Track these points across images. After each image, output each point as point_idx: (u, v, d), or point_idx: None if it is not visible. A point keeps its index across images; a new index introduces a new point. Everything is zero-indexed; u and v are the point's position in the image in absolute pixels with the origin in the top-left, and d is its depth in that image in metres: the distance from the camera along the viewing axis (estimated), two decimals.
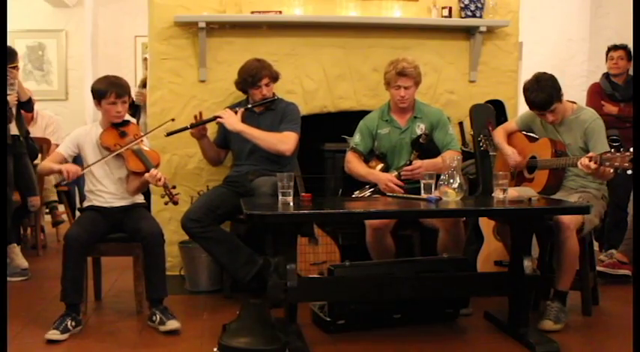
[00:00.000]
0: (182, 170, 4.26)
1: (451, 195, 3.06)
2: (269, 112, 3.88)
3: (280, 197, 2.94)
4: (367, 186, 3.68)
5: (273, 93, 3.88)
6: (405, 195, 3.45)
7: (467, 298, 3.44)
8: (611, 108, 4.67)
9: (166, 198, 3.34)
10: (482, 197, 3.78)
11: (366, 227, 3.52)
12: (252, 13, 4.23)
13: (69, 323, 3.07)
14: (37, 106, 5.26)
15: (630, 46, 4.69)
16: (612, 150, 3.07)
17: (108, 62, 7.10)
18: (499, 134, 3.77)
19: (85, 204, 3.49)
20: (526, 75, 3.53)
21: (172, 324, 3.14)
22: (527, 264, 3.04)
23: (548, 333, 3.13)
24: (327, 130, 4.23)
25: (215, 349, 2.77)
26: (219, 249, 3.65)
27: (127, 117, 3.65)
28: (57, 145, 4.99)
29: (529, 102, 3.40)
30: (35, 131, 5.31)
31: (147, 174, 3.34)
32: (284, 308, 3.00)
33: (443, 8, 4.38)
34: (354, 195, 3.67)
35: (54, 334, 3.00)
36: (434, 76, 4.43)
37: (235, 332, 2.77)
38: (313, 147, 4.29)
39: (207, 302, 3.71)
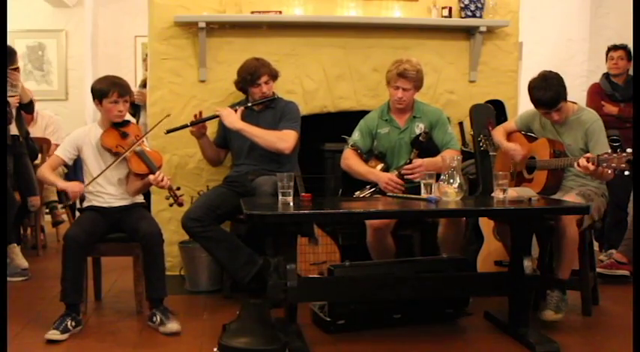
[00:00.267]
0: (182, 170, 4.26)
1: (451, 195, 3.06)
2: (268, 111, 3.88)
3: (280, 197, 2.94)
4: (367, 186, 3.68)
5: (273, 92, 3.88)
6: (405, 195, 3.45)
7: (467, 298, 3.44)
8: (611, 109, 4.67)
9: (171, 200, 3.34)
10: (482, 197, 3.78)
11: (367, 227, 3.52)
12: (252, 13, 4.24)
13: (69, 323, 3.07)
14: (37, 106, 5.27)
15: (630, 46, 4.69)
16: (609, 150, 3.07)
17: (108, 62, 7.10)
18: (498, 133, 3.77)
19: (85, 204, 3.48)
20: (526, 75, 3.54)
21: (172, 326, 3.14)
22: (527, 264, 3.04)
23: (549, 327, 3.13)
24: (327, 130, 4.23)
25: (215, 349, 2.76)
26: (219, 248, 3.65)
27: (128, 116, 3.64)
28: (57, 145, 4.99)
29: (535, 100, 3.39)
30: (35, 131, 5.31)
31: (151, 178, 3.34)
32: (284, 308, 3.00)
33: (443, 8, 4.39)
34: (354, 195, 3.67)
35: (54, 334, 3.00)
36: (434, 76, 4.43)
37: (235, 332, 2.77)
38: (313, 147, 4.29)
39: (207, 302, 3.71)
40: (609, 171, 3.04)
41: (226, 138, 3.98)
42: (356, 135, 3.83)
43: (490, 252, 3.76)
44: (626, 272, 4.16)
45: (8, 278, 4.02)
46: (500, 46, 4.53)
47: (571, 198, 3.32)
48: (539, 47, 6.50)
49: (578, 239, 3.28)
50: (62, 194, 5.38)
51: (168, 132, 3.82)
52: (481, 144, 3.88)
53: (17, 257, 4.23)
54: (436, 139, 3.75)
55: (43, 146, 5.08)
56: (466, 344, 3.12)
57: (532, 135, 3.66)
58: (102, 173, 3.36)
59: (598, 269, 3.98)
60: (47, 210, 5.43)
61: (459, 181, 3.07)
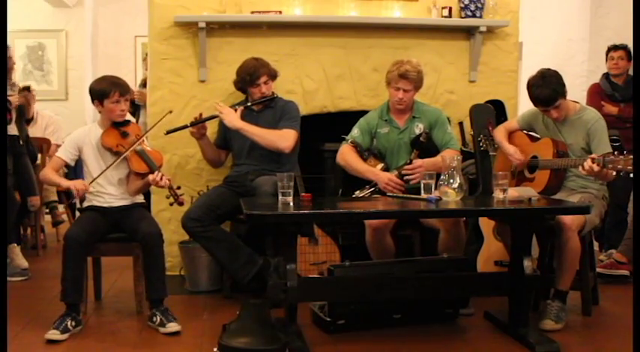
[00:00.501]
0: (182, 170, 4.26)
1: (451, 195, 3.06)
2: (268, 110, 3.88)
3: (280, 197, 2.94)
4: (367, 186, 3.68)
5: (272, 92, 3.88)
6: (405, 195, 3.44)
7: (467, 298, 3.44)
8: (611, 109, 4.67)
9: (172, 199, 3.34)
10: (482, 197, 3.78)
11: (366, 227, 3.52)
12: (252, 13, 4.24)
13: (69, 323, 3.07)
14: (37, 106, 5.28)
15: (630, 46, 4.69)
16: (615, 152, 3.06)
17: (108, 62, 7.10)
18: (500, 133, 3.77)
19: (85, 204, 3.48)
20: (526, 75, 3.53)
21: (173, 327, 3.14)
22: (527, 264, 3.04)
23: (549, 333, 3.13)
24: (327, 130, 4.23)
25: (215, 349, 2.77)
26: (219, 248, 3.65)
27: (128, 116, 3.64)
28: (57, 145, 5.01)
29: (533, 97, 3.39)
30: (35, 131, 5.31)
31: (150, 178, 3.34)
32: (284, 308, 3.00)
33: (443, 8, 4.38)
34: (354, 195, 3.67)
35: (54, 334, 3.00)
36: (434, 76, 4.43)
37: (235, 332, 2.78)
38: (313, 147, 4.29)
39: (207, 302, 3.71)
40: (613, 173, 3.03)
41: (226, 138, 3.98)
42: (355, 132, 3.83)
43: (490, 252, 3.76)
44: (626, 272, 4.16)
45: (8, 278, 4.03)
46: (500, 46, 4.53)
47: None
48: (539, 47, 6.50)
49: (581, 250, 3.27)
50: (63, 194, 5.40)
51: (169, 132, 3.82)
52: (481, 144, 3.88)
53: (17, 257, 4.23)
54: (436, 139, 3.75)
55: (43, 146, 5.08)
56: (466, 344, 3.12)
57: (534, 134, 3.65)
58: (103, 172, 3.36)
59: (598, 269, 3.98)
60: (47, 210, 5.44)
61: (459, 181, 3.07)
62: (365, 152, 3.79)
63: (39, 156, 5.02)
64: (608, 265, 4.23)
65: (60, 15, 6.79)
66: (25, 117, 4.57)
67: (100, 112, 3.46)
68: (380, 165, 3.76)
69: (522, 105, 4.85)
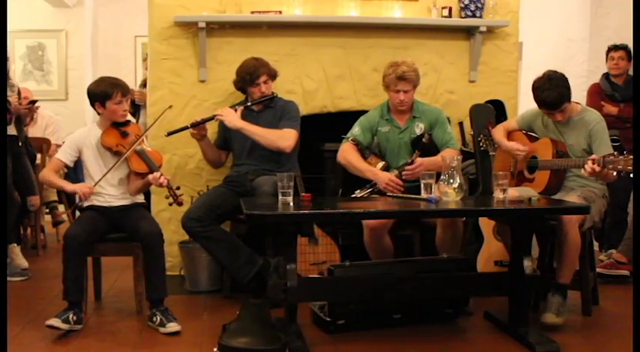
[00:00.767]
0: (182, 170, 4.26)
1: (451, 195, 3.06)
2: (268, 110, 3.89)
3: (280, 197, 2.94)
4: (367, 186, 3.68)
5: (272, 92, 3.88)
6: (405, 195, 3.44)
7: (467, 298, 3.44)
8: (611, 109, 4.67)
9: (171, 199, 3.34)
10: (482, 197, 3.78)
11: (364, 227, 3.52)
12: (252, 13, 4.24)
13: (71, 315, 3.08)
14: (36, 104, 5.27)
15: (630, 45, 4.69)
16: (615, 152, 3.06)
17: (108, 62, 7.10)
18: (498, 132, 3.76)
19: (85, 203, 3.48)
20: (526, 75, 3.54)
21: (173, 327, 3.14)
22: (527, 264, 3.04)
23: (549, 332, 3.13)
24: (327, 130, 4.23)
25: (215, 349, 2.77)
26: (219, 248, 3.65)
27: (127, 116, 3.65)
28: (57, 145, 5.02)
29: (539, 100, 3.38)
30: (35, 131, 5.32)
31: (150, 177, 3.34)
32: (284, 308, 3.00)
33: (443, 8, 4.38)
34: (354, 195, 3.67)
35: (55, 321, 3.02)
36: (434, 76, 4.43)
37: (235, 332, 2.78)
38: (313, 147, 4.29)
39: (207, 302, 3.71)
40: (614, 173, 3.03)
41: (227, 138, 3.98)
42: (356, 130, 3.82)
43: (490, 252, 3.76)
44: (626, 272, 4.16)
45: (8, 278, 4.03)
46: (500, 46, 4.53)
47: (572, 199, 3.31)
48: (539, 47, 6.50)
49: (581, 243, 3.27)
50: (63, 195, 5.40)
51: (169, 134, 3.81)
52: (481, 144, 3.88)
53: (17, 257, 4.23)
54: (435, 139, 3.75)
55: (43, 146, 5.08)
56: (466, 344, 3.12)
57: (533, 134, 3.65)
58: (105, 174, 3.35)
59: (598, 269, 3.98)
60: (47, 210, 5.44)
61: (459, 181, 3.07)
62: (366, 150, 3.79)
63: (38, 156, 5.03)
64: (608, 265, 4.23)
65: (60, 15, 6.79)
66: (24, 122, 4.57)
67: (100, 114, 3.45)
68: (380, 164, 3.75)
69: (522, 105, 4.85)
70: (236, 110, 3.80)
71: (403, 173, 3.62)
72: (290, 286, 2.86)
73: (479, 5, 4.37)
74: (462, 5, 4.38)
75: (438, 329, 3.24)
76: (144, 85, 5.15)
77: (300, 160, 4.02)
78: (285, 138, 3.75)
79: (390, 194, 3.53)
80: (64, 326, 3.04)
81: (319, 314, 3.22)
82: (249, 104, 3.87)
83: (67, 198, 5.59)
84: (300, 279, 2.95)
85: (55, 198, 5.43)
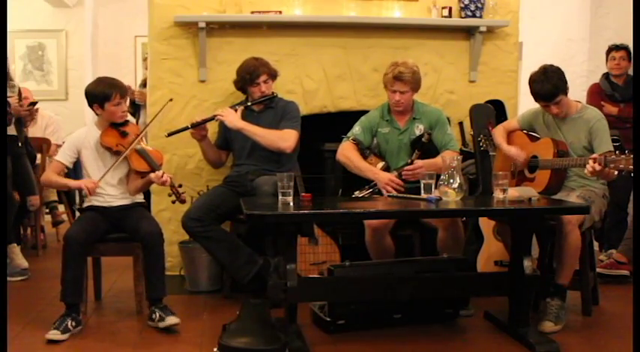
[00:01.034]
0: (182, 170, 4.26)
1: (451, 195, 3.06)
2: (269, 110, 3.89)
3: (280, 197, 2.94)
4: (367, 186, 3.68)
5: (272, 92, 3.88)
6: (405, 195, 3.44)
7: (467, 298, 3.44)
8: (611, 109, 4.67)
9: (174, 197, 3.34)
10: (482, 197, 3.78)
11: (365, 227, 3.52)
12: (252, 13, 4.24)
13: (69, 323, 3.07)
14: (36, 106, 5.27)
15: (630, 45, 4.69)
16: (617, 151, 3.06)
17: (108, 62, 7.10)
18: (499, 133, 3.76)
19: (85, 204, 3.48)
20: (526, 75, 3.53)
21: (172, 319, 3.15)
22: (527, 264, 3.04)
23: (548, 333, 3.13)
24: (327, 130, 4.23)
25: (215, 349, 2.77)
26: (219, 248, 3.65)
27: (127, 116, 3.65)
28: (57, 145, 5.02)
29: (534, 92, 3.38)
30: (35, 131, 5.31)
31: (152, 175, 3.34)
32: (284, 308, 3.00)
33: (443, 8, 4.38)
34: (354, 195, 3.67)
35: (54, 334, 3.00)
36: (434, 76, 4.43)
37: (235, 332, 2.78)
38: (313, 147, 4.29)
39: (207, 302, 3.71)
40: (615, 173, 3.03)
41: (227, 139, 3.98)
42: (357, 129, 3.82)
43: (490, 252, 3.76)
44: (626, 272, 4.16)
45: (8, 278, 4.03)
46: (500, 46, 4.53)
47: (572, 200, 3.31)
48: (539, 47, 6.50)
49: (581, 244, 3.27)
50: (63, 194, 5.39)
51: (170, 135, 3.81)
52: (481, 144, 3.88)
53: (17, 257, 4.23)
54: (435, 140, 3.75)
55: (43, 146, 5.07)
56: (466, 344, 3.12)
57: (534, 134, 3.65)
58: (107, 172, 3.35)
59: (598, 269, 3.98)
60: (47, 210, 5.43)
61: (458, 181, 3.07)
62: (366, 150, 3.78)
63: (38, 156, 5.03)
64: (608, 265, 4.23)
65: (60, 15, 6.79)
66: (24, 123, 4.57)
67: (98, 115, 3.45)
68: (381, 164, 3.75)
69: (522, 105, 4.85)
70: (236, 110, 3.80)
71: (403, 173, 3.62)
72: (290, 286, 2.86)
73: (479, 5, 4.37)
74: (462, 5, 4.38)
75: (438, 329, 3.24)
76: (144, 84, 5.15)
77: (300, 160, 4.02)
78: (286, 138, 3.75)
79: (390, 194, 3.53)
80: (65, 337, 3.02)
81: (319, 314, 3.22)
82: (249, 104, 3.87)
83: (67, 198, 5.58)
84: (300, 279, 2.95)
85: (55, 198, 5.43)
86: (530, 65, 6.03)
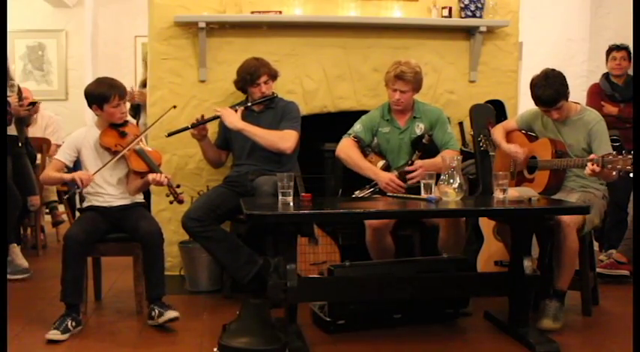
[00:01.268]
0: (182, 170, 4.26)
1: (451, 195, 3.06)
2: (269, 111, 3.89)
3: (280, 197, 2.94)
4: (367, 186, 3.68)
5: (273, 92, 3.88)
6: (405, 195, 3.44)
7: (467, 298, 3.44)
8: (611, 109, 4.67)
9: (171, 198, 3.35)
10: (482, 197, 3.78)
11: (366, 227, 3.52)
12: (252, 13, 4.24)
13: (69, 323, 3.07)
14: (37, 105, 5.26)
15: (630, 45, 4.69)
16: (615, 152, 3.06)
17: (108, 62, 7.10)
18: (498, 132, 3.76)
19: (85, 204, 3.48)
20: (526, 75, 3.54)
21: (171, 313, 3.15)
22: (527, 264, 3.04)
23: (548, 333, 3.13)
24: (327, 130, 4.23)
25: (215, 349, 2.77)
26: (219, 248, 3.66)
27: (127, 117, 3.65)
28: (57, 145, 5.01)
29: (535, 97, 3.38)
30: (35, 131, 5.31)
31: (149, 177, 3.34)
32: (284, 308, 3.00)
33: (443, 8, 4.38)
34: (354, 195, 3.67)
35: (54, 334, 3.00)
36: (434, 76, 4.43)
37: (235, 332, 2.78)
38: (313, 147, 4.29)
39: (207, 302, 3.71)
40: (613, 173, 3.03)
41: (227, 139, 3.98)
42: (358, 127, 3.81)
43: (490, 252, 3.76)
44: (626, 272, 4.16)
45: (11, 277, 4.03)
46: (500, 46, 4.53)
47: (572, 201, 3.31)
48: (539, 47, 6.50)
49: (578, 248, 3.27)
50: (62, 194, 5.40)
51: (170, 135, 3.81)
52: (481, 144, 3.88)
53: (17, 257, 4.23)
54: (435, 139, 3.75)
55: (43, 146, 5.08)
56: (466, 344, 3.12)
57: (533, 134, 3.65)
58: (103, 167, 3.34)
59: (598, 270, 3.98)
60: (47, 210, 5.43)
61: (459, 181, 3.07)
62: (367, 148, 3.78)
63: (38, 156, 5.03)
64: (608, 265, 4.23)
65: (60, 15, 6.79)
66: (25, 123, 4.57)
67: (98, 115, 3.45)
68: (381, 163, 3.75)
69: (522, 105, 4.85)
70: (236, 110, 3.80)
71: (408, 177, 3.60)
72: (290, 286, 2.86)
73: (479, 5, 4.37)
74: (462, 5, 4.38)
75: (438, 329, 3.24)
76: (144, 85, 5.15)
77: (300, 160, 4.02)
78: (286, 139, 3.75)
79: (390, 194, 3.53)
80: (65, 337, 3.02)
81: (319, 314, 3.22)
82: (249, 104, 3.87)
83: (69, 202, 5.58)
84: (300, 279, 2.95)
85: (55, 198, 5.43)
86: (530, 65, 6.06)
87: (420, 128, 3.77)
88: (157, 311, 3.19)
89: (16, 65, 6.64)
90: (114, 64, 6.99)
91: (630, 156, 2.95)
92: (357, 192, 3.68)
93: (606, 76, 4.87)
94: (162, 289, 3.30)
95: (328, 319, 3.16)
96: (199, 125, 3.80)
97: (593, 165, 3.04)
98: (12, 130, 4.24)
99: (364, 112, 3.98)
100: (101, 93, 3.34)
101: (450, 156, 3.20)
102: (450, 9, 4.38)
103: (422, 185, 3.16)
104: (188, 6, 4.21)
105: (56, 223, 5.41)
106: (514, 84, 4.60)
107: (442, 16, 4.38)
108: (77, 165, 3.59)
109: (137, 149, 3.41)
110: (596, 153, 3.21)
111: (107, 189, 3.42)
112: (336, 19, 4.34)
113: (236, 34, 4.28)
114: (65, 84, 6.87)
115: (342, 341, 3.07)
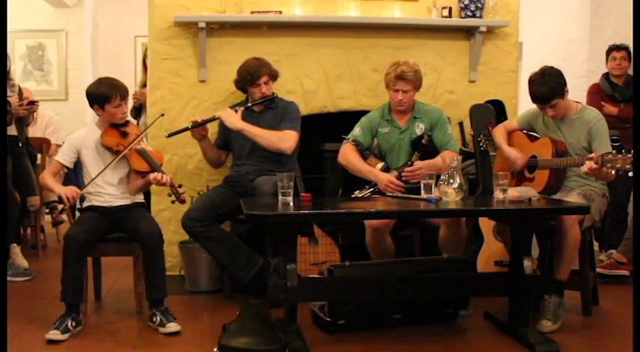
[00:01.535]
0: (182, 170, 4.26)
1: (451, 195, 3.06)
2: (269, 111, 3.89)
3: (280, 197, 2.94)
4: (367, 186, 3.68)
5: (273, 92, 3.88)
6: (405, 195, 3.44)
7: (467, 298, 3.44)
8: (611, 109, 4.67)
9: (173, 197, 3.34)
10: (482, 197, 3.78)
11: (366, 227, 3.52)
12: (252, 13, 4.24)
13: (69, 323, 3.07)
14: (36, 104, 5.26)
15: (630, 46, 4.69)
16: (614, 151, 3.06)
17: (108, 62, 7.10)
18: (499, 133, 3.76)
19: (85, 204, 3.48)
20: (526, 75, 3.54)
21: (172, 327, 3.14)
22: (527, 264, 3.04)
23: (548, 333, 3.13)
24: (327, 130, 4.23)
25: (215, 349, 2.77)
26: (219, 248, 3.66)
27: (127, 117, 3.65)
28: (57, 145, 5.02)
29: (531, 94, 3.39)
30: (35, 131, 5.31)
31: (151, 176, 3.34)
32: (284, 308, 3.00)
33: (443, 8, 4.38)
34: (354, 195, 3.67)
35: (55, 334, 3.00)
36: (434, 76, 4.43)
37: (235, 332, 2.78)
38: (313, 147, 4.29)
39: (207, 302, 3.71)
40: (612, 172, 3.03)
41: (227, 139, 3.98)
42: (357, 131, 3.82)
43: (490, 252, 3.76)
44: (626, 272, 4.16)
45: (12, 279, 4.03)
46: (500, 46, 4.53)
47: (572, 198, 3.31)
48: (539, 47, 6.50)
49: (580, 240, 3.27)
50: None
51: (170, 135, 3.81)
52: (481, 144, 3.88)
53: (17, 257, 4.24)
54: (435, 139, 3.75)
55: (43, 146, 5.08)
56: (466, 344, 3.12)
57: (534, 134, 3.65)
58: (105, 168, 3.35)
59: (598, 270, 3.98)
60: (47, 210, 5.43)
61: (458, 181, 3.07)
62: (366, 151, 3.79)
63: (39, 156, 5.03)
64: (608, 265, 4.23)
65: (60, 15, 6.79)
66: (25, 122, 4.57)
67: (99, 115, 3.45)
68: (380, 165, 3.75)
69: (522, 105, 4.85)
70: (236, 111, 3.80)
71: (402, 173, 3.62)
72: (290, 286, 2.86)
73: (479, 5, 4.37)
74: (462, 5, 4.38)
75: (438, 329, 3.24)
76: (144, 85, 5.14)
77: (300, 160, 4.02)
78: (286, 139, 3.75)
79: (390, 194, 3.53)
80: (65, 337, 3.02)
81: (319, 314, 3.22)
82: (249, 104, 3.87)
83: (60, 203, 5.58)
84: (300, 279, 2.95)
85: (55, 198, 5.41)
86: (530, 65, 6.04)
87: (420, 128, 3.77)
88: (158, 319, 3.18)
89: (16, 65, 6.64)
90: (114, 64, 7.00)
91: (630, 156, 2.95)
92: (356, 192, 3.68)
93: (606, 76, 4.87)
94: (164, 291, 3.30)
95: (328, 319, 3.16)
96: (199, 125, 3.80)
97: (591, 162, 3.05)
98: (12, 130, 4.24)
99: (364, 112, 3.98)
100: (102, 94, 3.34)
101: (450, 157, 3.20)
102: (450, 9, 4.38)
103: (422, 185, 3.16)
104: (188, 6, 4.21)
105: (56, 223, 5.40)
106: (514, 84, 4.60)
107: (442, 16, 4.39)
108: (77, 166, 3.59)
109: (139, 149, 3.41)
110: (596, 152, 3.22)
111: (108, 189, 3.42)
112: (336, 19, 4.34)
113: (236, 34, 4.28)
114: (65, 84, 6.87)
115: (342, 341, 3.07)
